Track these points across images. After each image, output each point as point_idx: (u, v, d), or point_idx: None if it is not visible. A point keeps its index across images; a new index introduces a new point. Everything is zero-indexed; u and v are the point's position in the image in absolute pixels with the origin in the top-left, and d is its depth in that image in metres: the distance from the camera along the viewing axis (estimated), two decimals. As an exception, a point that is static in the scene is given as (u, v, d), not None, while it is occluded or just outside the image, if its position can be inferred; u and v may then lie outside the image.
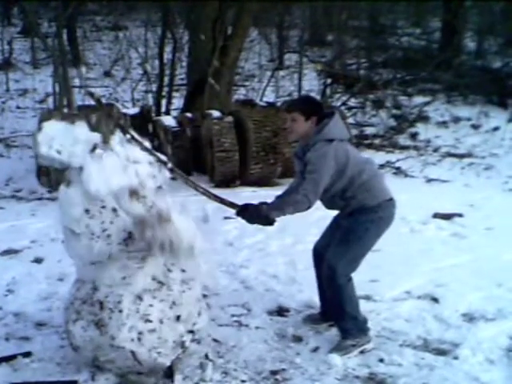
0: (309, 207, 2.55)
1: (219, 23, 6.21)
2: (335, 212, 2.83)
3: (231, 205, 2.67)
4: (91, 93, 2.32)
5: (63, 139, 2.21)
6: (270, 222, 2.60)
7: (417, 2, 11.99)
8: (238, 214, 2.65)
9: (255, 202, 2.65)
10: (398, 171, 6.06)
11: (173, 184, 5.60)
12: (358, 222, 2.63)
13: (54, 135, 2.23)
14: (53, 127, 2.25)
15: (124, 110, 5.58)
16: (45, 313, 2.94)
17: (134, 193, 2.22)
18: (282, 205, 2.59)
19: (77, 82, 8.03)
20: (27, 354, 2.52)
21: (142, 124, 5.45)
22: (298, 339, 2.76)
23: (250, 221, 2.62)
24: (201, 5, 6.37)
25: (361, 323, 2.71)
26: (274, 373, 2.48)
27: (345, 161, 2.57)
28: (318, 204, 4.86)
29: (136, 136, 2.32)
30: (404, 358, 2.61)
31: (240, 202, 2.69)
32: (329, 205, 2.74)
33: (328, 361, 2.57)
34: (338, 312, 2.68)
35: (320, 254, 2.79)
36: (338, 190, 2.61)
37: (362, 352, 2.65)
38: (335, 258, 2.62)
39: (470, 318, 2.99)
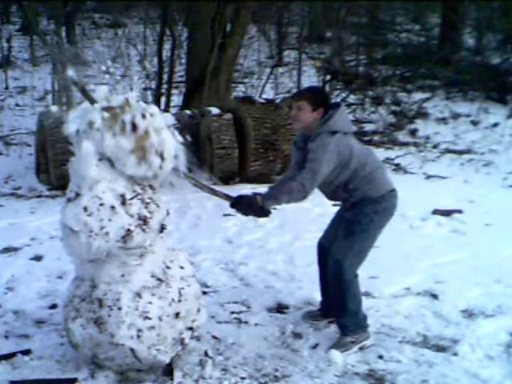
0: (304, 197, 2.51)
1: (218, 20, 6.18)
2: (336, 208, 2.83)
3: (225, 197, 2.64)
4: (75, 81, 2.32)
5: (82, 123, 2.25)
6: (266, 213, 2.55)
7: (416, -1, 11.97)
8: (233, 206, 2.61)
9: (249, 192, 2.62)
10: (398, 168, 6.05)
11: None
12: (362, 213, 2.61)
13: (79, 115, 2.28)
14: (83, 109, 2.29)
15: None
16: (44, 310, 2.94)
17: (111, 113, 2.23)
18: (277, 193, 2.56)
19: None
20: (27, 352, 2.52)
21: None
22: (297, 336, 2.76)
23: (245, 213, 2.58)
24: (200, 2, 6.35)
25: (360, 320, 2.70)
26: (273, 370, 2.47)
27: (348, 155, 2.55)
28: (318, 201, 4.88)
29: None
30: (403, 354, 2.61)
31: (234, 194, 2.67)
32: (331, 196, 2.73)
33: (328, 357, 2.57)
34: (340, 308, 2.67)
35: (324, 248, 2.78)
36: (341, 182, 2.60)
37: (361, 348, 2.66)
38: (342, 252, 2.60)
39: (469, 314, 3.00)
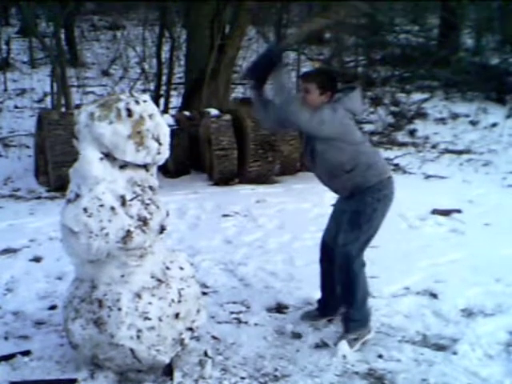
0: (292, 120, 2.47)
1: (217, 22, 6.17)
2: (331, 207, 2.82)
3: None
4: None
5: None
6: (263, 75, 2.46)
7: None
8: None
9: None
10: (397, 168, 6.04)
11: (171, 183, 5.62)
12: (364, 203, 2.58)
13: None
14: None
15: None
16: (44, 311, 2.93)
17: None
18: (285, 86, 2.46)
19: (74, 81, 7.98)
20: (26, 353, 2.51)
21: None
22: (297, 336, 2.76)
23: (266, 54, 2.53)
24: (198, 3, 6.33)
25: (366, 315, 2.71)
26: (273, 369, 2.47)
27: (350, 132, 2.54)
28: (317, 201, 4.88)
29: None
30: (403, 353, 2.61)
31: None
32: (330, 180, 2.65)
33: (332, 352, 2.58)
34: (348, 300, 2.67)
35: (328, 245, 2.76)
36: (341, 161, 2.55)
37: (363, 343, 2.66)
38: (350, 244, 2.59)
39: (468, 313, 2.99)
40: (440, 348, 2.67)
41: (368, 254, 2.71)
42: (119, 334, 2.23)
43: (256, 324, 2.86)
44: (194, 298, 2.46)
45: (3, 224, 4.25)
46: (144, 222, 2.27)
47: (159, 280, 2.34)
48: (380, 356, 2.60)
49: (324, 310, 2.88)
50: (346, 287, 2.65)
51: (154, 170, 2.41)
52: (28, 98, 8.01)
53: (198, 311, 2.49)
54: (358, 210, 2.61)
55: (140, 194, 2.29)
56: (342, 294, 2.70)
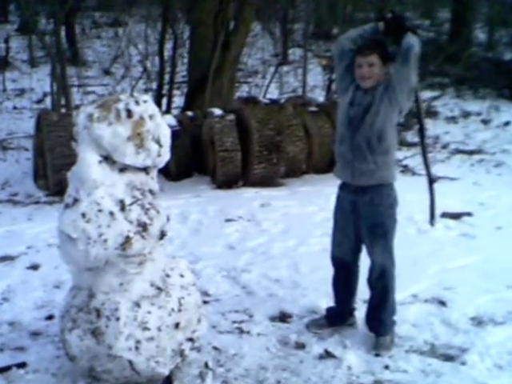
0: (411, 71, 2.50)
1: (221, 18, 6.05)
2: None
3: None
4: None
5: None
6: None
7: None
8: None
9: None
10: (406, 169, 5.94)
11: (173, 186, 5.55)
12: (383, 215, 2.59)
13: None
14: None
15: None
16: (40, 322, 2.88)
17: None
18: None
19: (75, 80, 7.90)
20: (22, 365, 2.47)
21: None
22: (300, 346, 2.70)
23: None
24: (202, -1, 6.22)
25: (394, 316, 2.74)
26: (276, 381, 2.42)
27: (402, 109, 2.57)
28: (323, 204, 4.78)
29: None
30: (410, 364, 2.56)
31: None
32: (361, 155, 2.53)
33: (332, 367, 2.50)
34: (383, 307, 2.68)
35: (342, 260, 2.74)
36: (387, 130, 2.51)
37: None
38: (386, 259, 2.63)
39: (478, 321, 2.92)
40: (448, 358, 2.61)
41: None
42: (117, 345, 2.18)
43: (259, 334, 2.80)
44: (195, 307, 2.41)
45: (0, 230, 4.15)
46: (144, 227, 2.22)
47: (159, 288, 2.30)
48: (386, 367, 2.54)
49: (334, 319, 2.84)
50: (382, 294, 2.67)
51: (154, 173, 2.35)
52: (27, 99, 7.91)
53: (199, 321, 2.44)
54: (379, 223, 2.59)
55: (140, 198, 2.24)
56: (374, 301, 2.71)
